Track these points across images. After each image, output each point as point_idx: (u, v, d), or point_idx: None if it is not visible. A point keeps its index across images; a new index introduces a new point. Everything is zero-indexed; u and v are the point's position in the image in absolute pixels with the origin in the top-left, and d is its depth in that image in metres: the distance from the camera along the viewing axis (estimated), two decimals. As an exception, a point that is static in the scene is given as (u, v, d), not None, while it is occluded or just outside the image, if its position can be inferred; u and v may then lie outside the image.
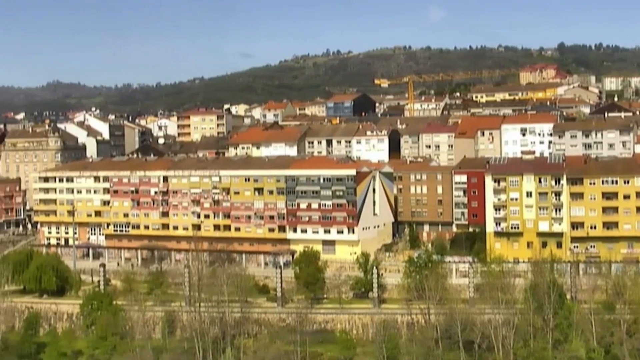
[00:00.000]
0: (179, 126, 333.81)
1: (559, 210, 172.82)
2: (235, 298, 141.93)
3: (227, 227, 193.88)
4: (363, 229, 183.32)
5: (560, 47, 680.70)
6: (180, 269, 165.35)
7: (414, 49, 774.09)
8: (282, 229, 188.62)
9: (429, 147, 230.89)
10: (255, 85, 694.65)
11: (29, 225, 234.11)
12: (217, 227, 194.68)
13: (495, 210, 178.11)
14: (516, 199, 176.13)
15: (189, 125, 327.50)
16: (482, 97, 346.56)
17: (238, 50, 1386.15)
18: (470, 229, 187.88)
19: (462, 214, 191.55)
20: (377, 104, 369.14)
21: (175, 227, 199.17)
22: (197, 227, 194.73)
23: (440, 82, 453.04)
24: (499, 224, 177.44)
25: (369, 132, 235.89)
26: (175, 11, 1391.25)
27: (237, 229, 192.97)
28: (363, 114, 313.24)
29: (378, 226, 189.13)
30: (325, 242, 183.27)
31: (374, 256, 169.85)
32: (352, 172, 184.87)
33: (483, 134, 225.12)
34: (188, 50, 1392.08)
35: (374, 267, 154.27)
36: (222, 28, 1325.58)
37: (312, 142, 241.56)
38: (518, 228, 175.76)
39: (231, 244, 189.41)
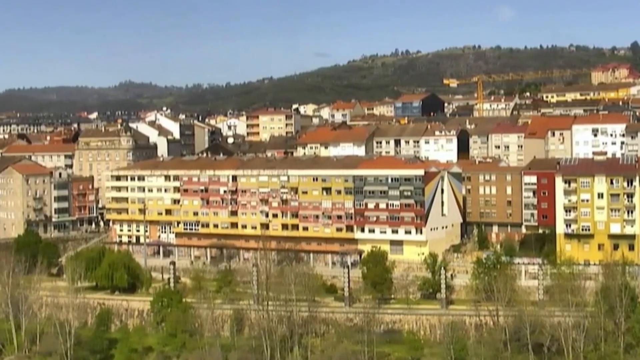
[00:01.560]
0: (248, 126, 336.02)
1: (631, 212, 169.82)
2: (302, 297, 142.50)
3: (295, 227, 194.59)
4: (431, 229, 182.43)
5: (634, 46, 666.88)
6: (249, 267, 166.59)
7: (483, 49, 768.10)
8: (349, 228, 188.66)
9: (498, 147, 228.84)
10: (323, 85, 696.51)
11: (102, 223, 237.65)
12: (285, 227, 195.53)
13: (566, 211, 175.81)
14: (587, 201, 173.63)
15: (257, 125, 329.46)
16: (552, 97, 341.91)
17: (313, 50, 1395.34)
18: (540, 231, 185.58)
19: (532, 215, 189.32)
20: (445, 104, 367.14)
21: (244, 226, 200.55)
22: (265, 226, 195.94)
23: (510, 81, 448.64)
24: (570, 226, 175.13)
25: (437, 132, 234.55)
26: (246, 11, 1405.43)
27: (305, 229, 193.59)
28: (431, 113, 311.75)
29: (446, 227, 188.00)
30: (392, 242, 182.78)
31: (442, 257, 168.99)
32: (420, 172, 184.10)
33: (553, 135, 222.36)
34: (258, 50, 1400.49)
35: (442, 268, 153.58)
36: (297, 28, 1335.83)
37: (380, 142, 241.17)
38: (589, 230, 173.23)
39: (299, 243, 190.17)
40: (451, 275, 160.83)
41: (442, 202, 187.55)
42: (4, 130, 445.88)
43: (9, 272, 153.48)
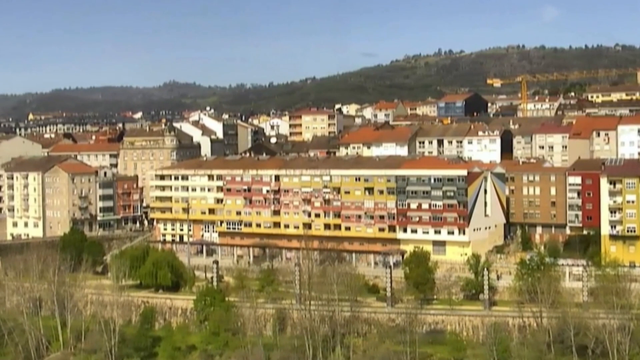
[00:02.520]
0: (290, 126, 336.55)
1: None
2: (345, 297, 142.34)
3: (338, 227, 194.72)
4: (474, 230, 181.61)
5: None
6: (291, 267, 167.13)
7: (527, 48, 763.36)
8: (392, 228, 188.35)
9: (542, 147, 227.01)
10: (366, 85, 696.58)
11: (146, 222, 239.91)
12: (327, 226, 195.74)
13: (611, 212, 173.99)
14: (633, 202, 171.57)
15: (300, 125, 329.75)
16: (597, 97, 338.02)
17: (360, 50, 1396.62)
18: (585, 232, 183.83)
19: (576, 216, 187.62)
20: (489, 104, 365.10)
21: (287, 226, 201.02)
22: (307, 225, 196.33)
23: (555, 81, 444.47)
24: (615, 227, 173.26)
25: (480, 132, 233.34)
26: (291, 11, 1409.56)
27: (347, 228, 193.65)
28: (475, 113, 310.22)
29: (489, 227, 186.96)
30: (435, 243, 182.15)
31: (484, 257, 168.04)
32: (463, 172, 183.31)
33: (598, 135, 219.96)
34: (302, 50, 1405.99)
35: (485, 269, 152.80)
36: (343, 28, 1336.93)
37: (423, 142, 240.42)
38: (634, 231, 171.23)
39: (341, 243, 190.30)
40: (498, 276, 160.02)
41: (485, 203, 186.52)
42: (50, 130, 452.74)
43: (55, 270, 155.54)
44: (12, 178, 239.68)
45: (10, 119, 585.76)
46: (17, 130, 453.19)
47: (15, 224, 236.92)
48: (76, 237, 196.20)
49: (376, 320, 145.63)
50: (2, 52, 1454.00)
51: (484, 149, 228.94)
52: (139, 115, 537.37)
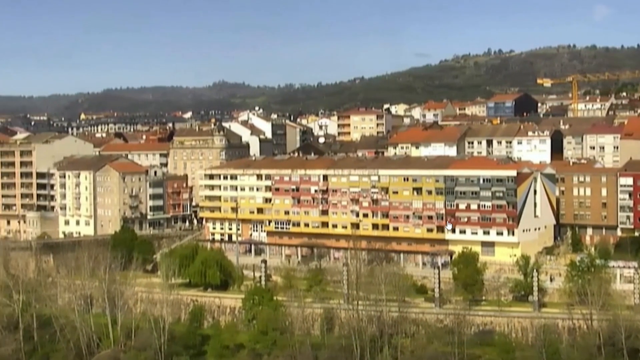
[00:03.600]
0: (339, 125, 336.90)
1: None
2: (392, 297, 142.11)
3: (386, 227, 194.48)
4: (523, 230, 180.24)
5: None
6: (339, 267, 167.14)
7: (578, 48, 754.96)
8: (440, 229, 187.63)
9: (593, 148, 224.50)
10: (415, 85, 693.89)
11: (195, 221, 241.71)
12: (375, 226, 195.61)
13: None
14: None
15: (349, 125, 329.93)
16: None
17: (412, 51, 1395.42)
18: (636, 233, 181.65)
19: (628, 217, 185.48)
20: (539, 104, 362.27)
21: (335, 226, 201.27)
22: (355, 225, 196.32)
23: (606, 81, 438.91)
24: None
25: (530, 133, 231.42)
26: (340, 12, 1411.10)
27: (396, 229, 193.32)
28: (525, 114, 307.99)
29: (539, 228, 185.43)
30: (484, 244, 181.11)
31: (534, 259, 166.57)
32: (513, 173, 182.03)
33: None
34: (352, 50, 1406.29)
35: (535, 270, 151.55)
36: (396, 28, 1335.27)
37: (472, 142, 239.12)
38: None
39: (389, 243, 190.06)
40: (551, 278, 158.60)
41: (535, 204, 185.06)
42: (102, 129, 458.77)
43: (105, 268, 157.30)
44: (65, 177, 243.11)
45: (63, 119, 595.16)
46: (70, 129, 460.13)
47: (67, 222, 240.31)
48: (127, 236, 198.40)
49: (424, 320, 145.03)
50: (56, 52, 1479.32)
51: (533, 149, 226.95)
52: (188, 115, 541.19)
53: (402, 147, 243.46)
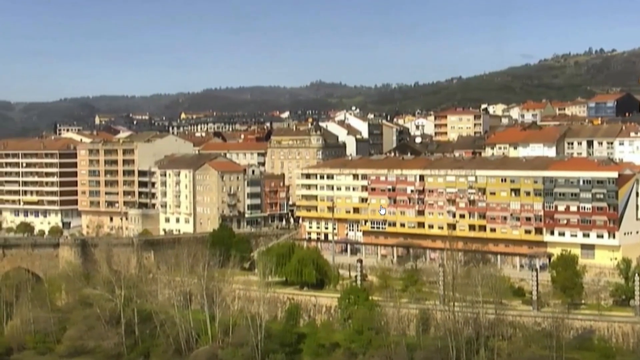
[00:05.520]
0: (435, 125, 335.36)
1: None
2: (489, 299, 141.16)
3: (483, 228, 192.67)
4: (625, 233, 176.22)
5: None
6: (435, 267, 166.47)
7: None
8: (538, 231, 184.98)
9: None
10: (513, 84, 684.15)
11: (291, 220, 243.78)
12: (472, 227, 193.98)
13: None
14: None
15: (445, 125, 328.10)
16: None
17: (518, 51, 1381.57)
18: None
19: None
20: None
21: (431, 226, 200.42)
22: (452, 226, 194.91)
23: None
24: None
25: (632, 134, 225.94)
26: (438, 11, 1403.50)
27: (493, 230, 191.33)
28: (627, 114, 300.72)
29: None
30: (583, 246, 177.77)
31: (636, 262, 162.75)
32: (614, 174, 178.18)
33: None
34: (450, 49, 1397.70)
35: (636, 274, 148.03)
36: (500, 27, 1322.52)
37: (572, 143, 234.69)
38: None
39: (486, 245, 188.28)
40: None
41: (637, 206, 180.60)
42: (201, 129, 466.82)
43: (204, 265, 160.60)
44: (165, 175, 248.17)
45: (164, 118, 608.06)
46: (170, 128, 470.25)
47: (167, 220, 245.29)
48: (225, 234, 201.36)
49: (521, 323, 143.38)
50: (158, 53, 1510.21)
51: (636, 150, 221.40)
52: (286, 114, 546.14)
53: (499, 148, 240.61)
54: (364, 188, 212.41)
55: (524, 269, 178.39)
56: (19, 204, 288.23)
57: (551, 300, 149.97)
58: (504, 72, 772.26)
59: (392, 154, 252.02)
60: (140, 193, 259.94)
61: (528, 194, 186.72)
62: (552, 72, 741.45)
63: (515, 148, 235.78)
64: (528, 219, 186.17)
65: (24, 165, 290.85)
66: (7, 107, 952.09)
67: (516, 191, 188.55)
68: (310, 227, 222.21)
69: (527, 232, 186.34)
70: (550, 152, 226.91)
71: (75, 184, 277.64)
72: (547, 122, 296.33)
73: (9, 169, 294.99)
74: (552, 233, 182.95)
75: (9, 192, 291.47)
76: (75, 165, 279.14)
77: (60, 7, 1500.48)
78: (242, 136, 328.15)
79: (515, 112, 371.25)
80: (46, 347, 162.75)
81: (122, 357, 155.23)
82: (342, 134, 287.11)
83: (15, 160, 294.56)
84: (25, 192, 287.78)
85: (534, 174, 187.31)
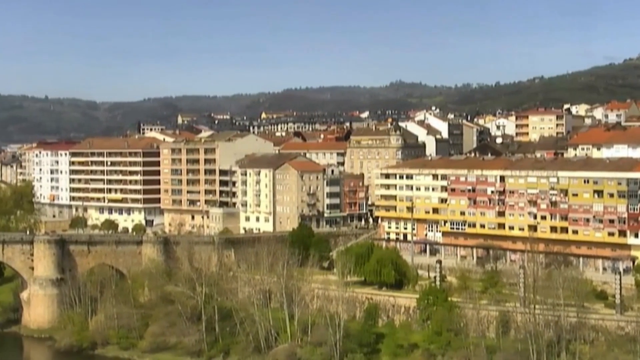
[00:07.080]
0: (517, 126, 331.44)
1: None
2: (571, 302, 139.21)
3: (564, 230, 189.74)
4: None
5: None
6: (515, 269, 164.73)
7: None
8: (622, 233, 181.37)
9: None
10: (597, 84, 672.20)
11: (370, 220, 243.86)
12: (553, 229, 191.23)
13: None
14: None
15: (527, 125, 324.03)
16: None
17: (602, 53, 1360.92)
18: None
19: None
20: None
21: (511, 227, 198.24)
22: (533, 228, 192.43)
23: None
24: None
25: None
26: (520, 10, 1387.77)
27: (575, 232, 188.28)
28: None
29: None
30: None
31: None
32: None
33: None
34: (532, 48, 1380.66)
35: None
36: (585, 27, 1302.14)
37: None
38: None
39: (568, 247, 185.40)
40: None
41: None
42: (281, 128, 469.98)
43: (284, 264, 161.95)
44: (246, 174, 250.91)
45: (245, 118, 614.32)
46: (251, 128, 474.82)
47: (247, 219, 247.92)
48: (304, 233, 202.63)
49: (604, 327, 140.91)
50: (239, 53, 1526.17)
51: None
52: (365, 114, 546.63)
53: (582, 149, 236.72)
54: (444, 188, 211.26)
55: (606, 272, 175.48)
56: (104, 201, 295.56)
57: (635, 305, 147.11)
58: (587, 71, 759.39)
59: (472, 154, 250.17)
60: (221, 192, 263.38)
61: (611, 195, 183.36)
62: (637, 72, 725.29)
63: (598, 149, 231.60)
64: (611, 221, 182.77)
65: (109, 164, 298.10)
66: (92, 106, 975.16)
67: (599, 193, 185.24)
68: (389, 227, 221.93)
69: (610, 234, 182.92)
70: (635, 153, 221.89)
71: (158, 182, 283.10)
72: (632, 123, 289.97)
73: (94, 167, 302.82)
74: (636, 236, 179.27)
75: (94, 190, 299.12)
76: (158, 164, 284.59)
77: (147, 8, 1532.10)
78: (322, 136, 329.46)
79: (598, 113, 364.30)
80: (129, 343, 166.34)
81: (202, 354, 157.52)
82: (421, 134, 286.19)
83: (100, 159, 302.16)
84: (109, 190, 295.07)
85: (617, 175, 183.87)
